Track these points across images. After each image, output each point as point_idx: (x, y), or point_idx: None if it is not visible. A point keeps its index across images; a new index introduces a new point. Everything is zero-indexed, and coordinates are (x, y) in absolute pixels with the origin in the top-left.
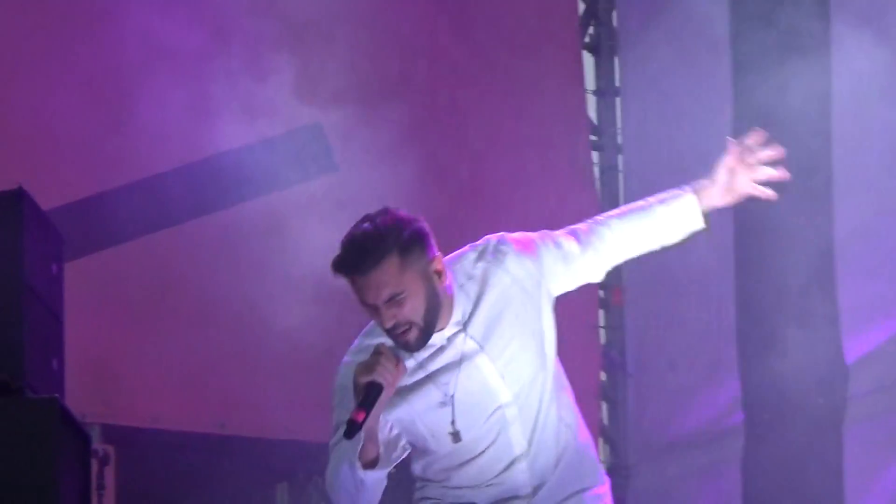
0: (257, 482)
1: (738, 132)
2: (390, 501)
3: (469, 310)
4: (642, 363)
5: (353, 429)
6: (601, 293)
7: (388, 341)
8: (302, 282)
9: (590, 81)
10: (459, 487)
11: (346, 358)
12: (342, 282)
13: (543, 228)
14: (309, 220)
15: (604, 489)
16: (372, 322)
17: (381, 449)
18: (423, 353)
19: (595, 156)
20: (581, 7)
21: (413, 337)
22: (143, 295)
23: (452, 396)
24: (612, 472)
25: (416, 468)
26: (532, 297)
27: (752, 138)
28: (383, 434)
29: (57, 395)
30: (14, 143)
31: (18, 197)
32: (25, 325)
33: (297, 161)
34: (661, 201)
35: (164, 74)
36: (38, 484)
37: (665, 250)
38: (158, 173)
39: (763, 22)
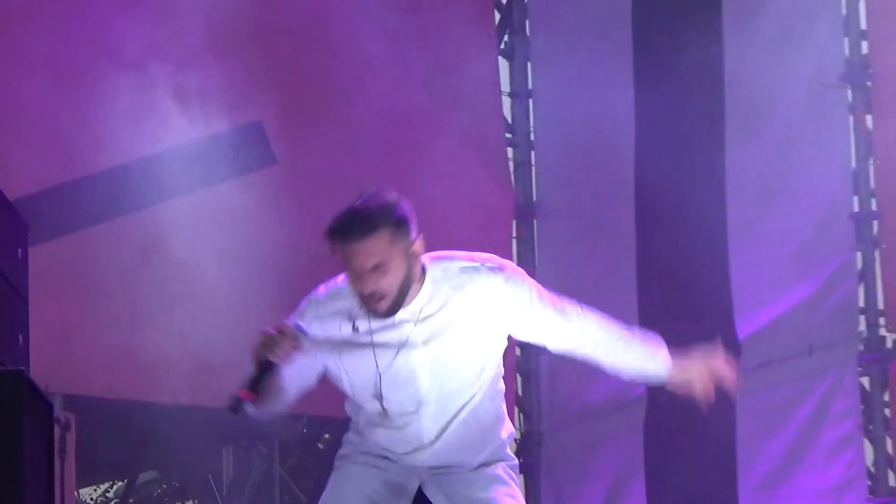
0: (205, 447)
1: (639, 132)
2: None
3: (430, 307)
4: None
5: (237, 406)
6: None
7: (348, 304)
8: (248, 262)
9: (505, 84)
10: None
11: (307, 305)
12: (283, 259)
13: (462, 216)
14: (251, 208)
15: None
16: (335, 283)
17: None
18: (375, 323)
19: (510, 152)
20: (497, 17)
21: (383, 306)
22: (100, 277)
23: (380, 374)
24: (526, 438)
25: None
26: (493, 325)
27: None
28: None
29: (23, 367)
30: None
31: None
32: None
33: (239, 155)
34: (643, 342)
35: (115, 74)
36: (6, 447)
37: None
38: (111, 167)
39: (662, 31)
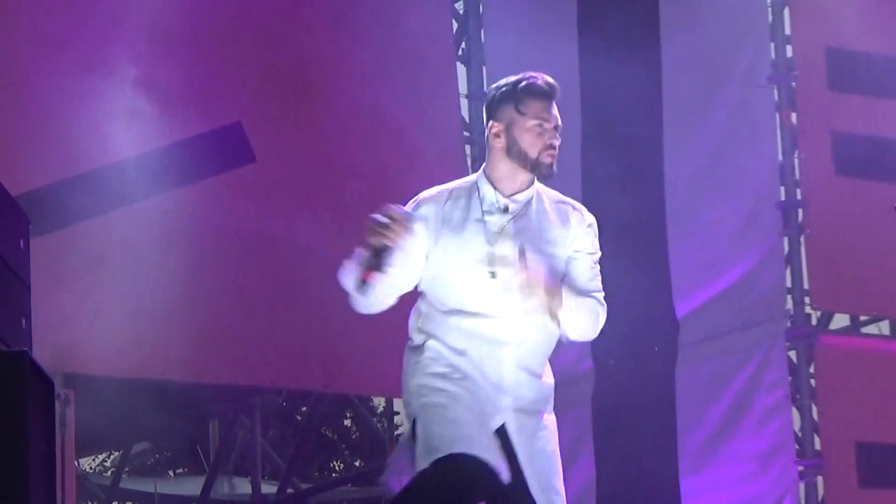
0: (193, 420)
1: (586, 130)
2: None
3: (533, 206)
4: None
5: (363, 287)
6: None
7: (459, 193)
8: (229, 249)
9: (463, 87)
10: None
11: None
12: (262, 249)
13: None
14: (231, 200)
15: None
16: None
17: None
18: (484, 206)
19: (467, 149)
20: (455, 25)
21: (554, 163)
22: (95, 266)
23: (492, 247)
24: None
25: (422, 306)
26: (566, 249)
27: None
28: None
29: (26, 348)
30: None
31: None
32: None
33: (220, 153)
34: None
35: (105, 80)
36: (11, 421)
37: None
38: (104, 165)
39: (606, 41)
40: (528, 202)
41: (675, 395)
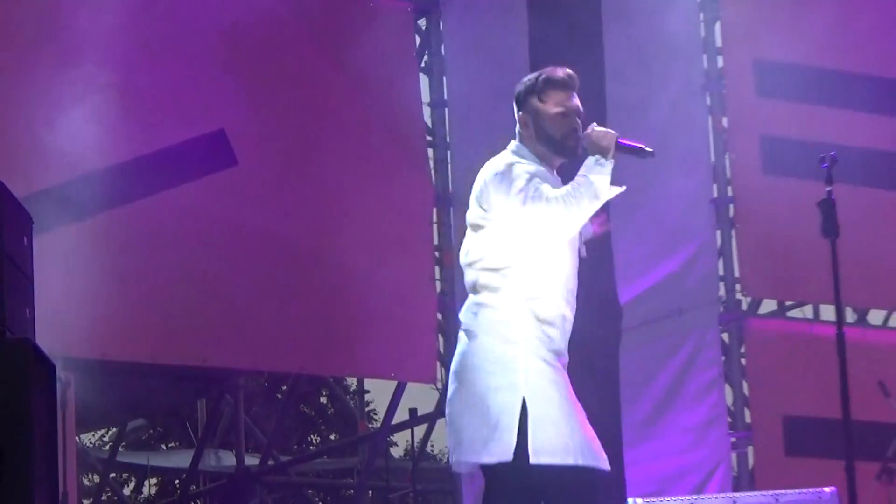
0: (182, 399)
1: None
2: None
3: None
4: None
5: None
6: (437, 254)
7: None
8: (213, 244)
9: (425, 96)
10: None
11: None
12: (241, 243)
13: (392, 204)
14: (214, 199)
15: None
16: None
17: None
18: None
19: (430, 152)
20: (417, 40)
21: (579, 144)
22: (90, 261)
23: None
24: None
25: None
26: None
27: None
28: None
29: (29, 336)
30: None
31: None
32: (4, 284)
33: (204, 158)
34: None
35: (101, 87)
36: (17, 402)
37: None
38: (95, 170)
39: (554, 53)
40: None
41: (619, 374)
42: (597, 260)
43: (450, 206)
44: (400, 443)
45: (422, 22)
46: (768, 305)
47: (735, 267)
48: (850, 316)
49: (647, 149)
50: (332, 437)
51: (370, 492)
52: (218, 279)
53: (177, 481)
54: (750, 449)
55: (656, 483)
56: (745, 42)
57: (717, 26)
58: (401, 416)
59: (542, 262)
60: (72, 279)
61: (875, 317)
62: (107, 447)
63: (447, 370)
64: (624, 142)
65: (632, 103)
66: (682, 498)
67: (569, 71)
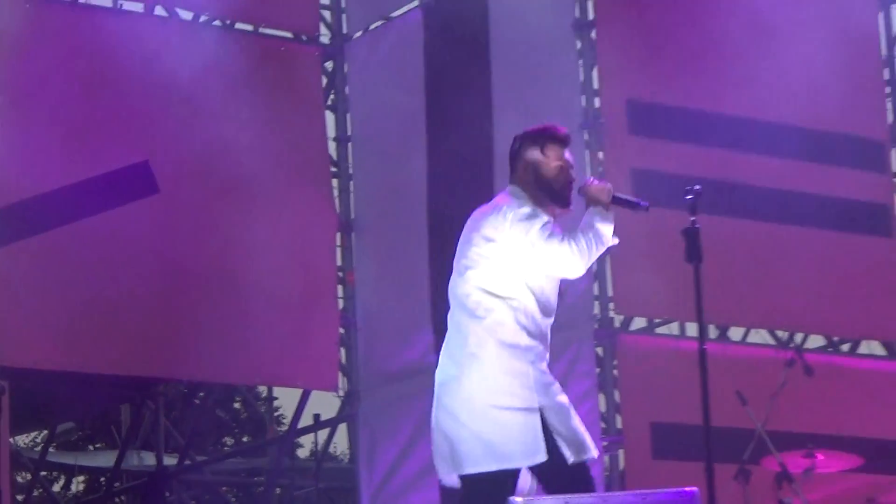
0: (108, 404)
1: (432, 165)
2: None
3: None
4: (368, 321)
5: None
6: (340, 274)
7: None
8: (136, 264)
9: (331, 131)
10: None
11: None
12: (160, 265)
13: (301, 230)
14: (139, 223)
15: None
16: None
17: None
18: None
19: (334, 182)
20: (324, 80)
21: (572, 194)
22: (24, 281)
23: None
24: (349, 395)
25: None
26: None
27: None
28: None
29: None
30: None
31: None
32: None
33: (131, 184)
34: None
35: (29, 118)
36: None
37: None
38: (27, 196)
39: (447, 98)
40: None
41: None
42: None
43: (351, 231)
44: (306, 445)
45: (328, 64)
46: (639, 322)
47: (609, 287)
48: (712, 332)
49: (642, 203)
50: (245, 439)
51: (278, 489)
52: (140, 297)
53: (102, 479)
54: (621, 452)
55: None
56: (619, 85)
57: (595, 71)
58: (306, 420)
59: (534, 293)
60: (5, 296)
61: (735, 333)
62: (38, 448)
63: (349, 379)
64: (619, 196)
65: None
66: (558, 496)
67: (565, 129)
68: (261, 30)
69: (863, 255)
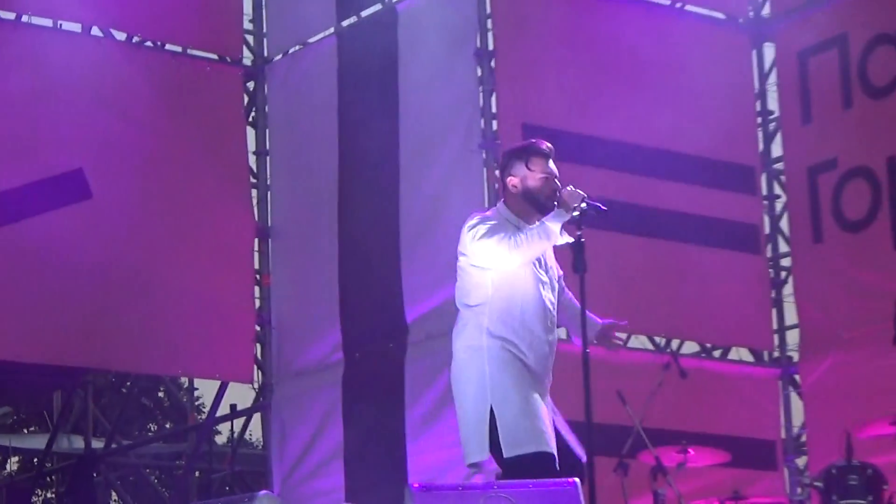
0: (41, 391)
1: (343, 178)
2: None
3: None
4: (281, 320)
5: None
6: (257, 276)
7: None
8: (68, 262)
9: (252, 145)
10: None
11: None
12: (97, 265)
13: (222, 236)
14: (73, 225)
15: None
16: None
17: None
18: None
19: (253, 192)
20: (245, 98)
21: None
22: None
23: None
24: (263, 388)
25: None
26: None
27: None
28: None
29: None
30: None
31: None
32: None
33: (65, 190)
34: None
35: None
36: None
37: None
38: None
39: (357, 115)
40: None
41: (404, 380)
42: (387, 285)
43: (268, 237)
44: (223, 432)
45: (250, 84)
46: None
47: None
48: None
49: (602, 207)
50: (167, 425)
51: (197, 473)
52: (73, 293)
53: (35, 460)
54: None
55: (434, 471)
56: (515, 109)
57: (494, 97)
58: (224, 409)
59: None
60: None
61: None
62: None
63: (263, 373)
64: (590, 202)
65: (423, 157)
66: (455, 483)
67: (548, 143)
68: (189, 51)
69: (735, 269)
